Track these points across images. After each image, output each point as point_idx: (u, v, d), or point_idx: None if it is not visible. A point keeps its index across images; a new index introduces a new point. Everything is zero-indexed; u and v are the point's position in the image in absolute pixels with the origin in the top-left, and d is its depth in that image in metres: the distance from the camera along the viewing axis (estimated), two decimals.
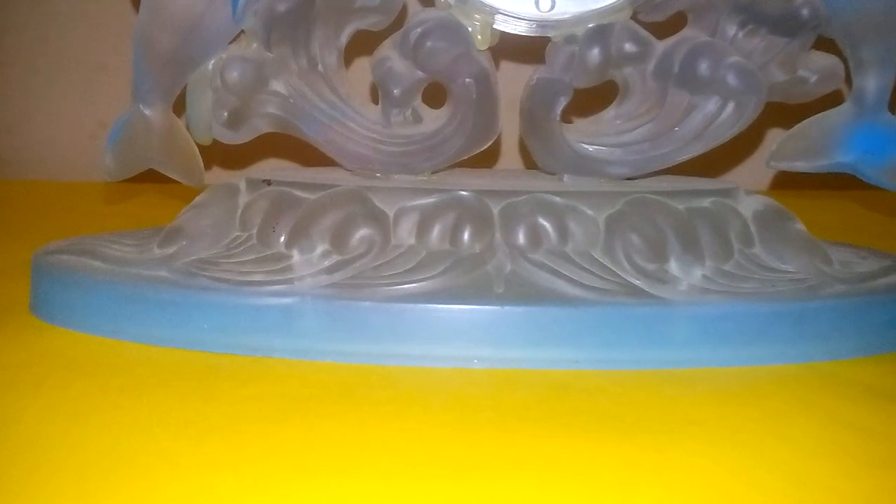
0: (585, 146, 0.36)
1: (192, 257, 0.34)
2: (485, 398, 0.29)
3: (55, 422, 0.27)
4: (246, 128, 0.37)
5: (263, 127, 0.37)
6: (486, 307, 0.31)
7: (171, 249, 0.35)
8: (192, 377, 0.31)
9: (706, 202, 0.35)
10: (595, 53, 0.35)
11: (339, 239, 0.33)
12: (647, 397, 0.29)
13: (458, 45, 0.35)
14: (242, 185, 0.37)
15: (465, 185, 0.35)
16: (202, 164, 0.39)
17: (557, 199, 0.34)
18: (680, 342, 0.32)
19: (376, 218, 0.33)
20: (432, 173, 0.36)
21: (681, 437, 0.27)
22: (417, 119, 0.37)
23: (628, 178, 0.36)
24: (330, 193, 0.34)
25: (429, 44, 0.35)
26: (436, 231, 0.33)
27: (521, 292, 0.32)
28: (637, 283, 0.32)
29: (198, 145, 0.37)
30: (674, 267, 0.33)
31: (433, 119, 0.36)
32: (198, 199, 0.37)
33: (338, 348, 0.32)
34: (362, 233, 0.33)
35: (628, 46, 0.35)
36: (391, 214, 0.34)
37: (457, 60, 0.35)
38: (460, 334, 0.31)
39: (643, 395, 0.30)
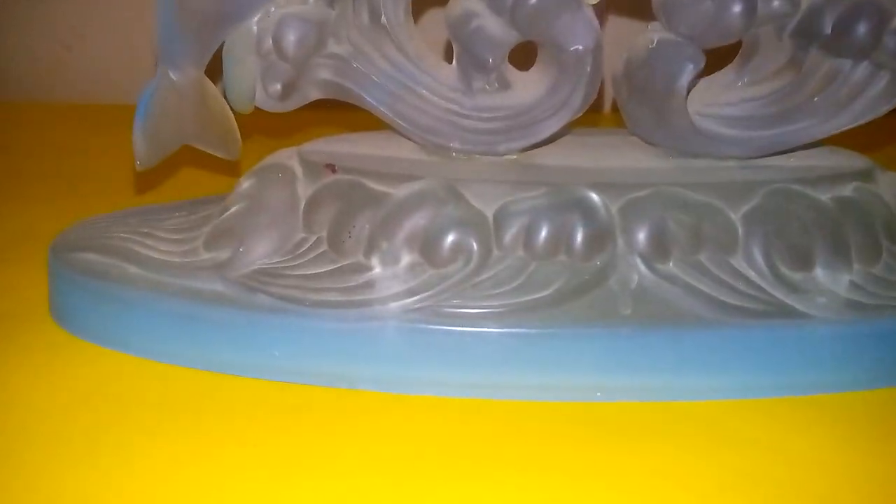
0: (708, 123, 0.30)
1: (252, 268, 0.28)
2: (611, 433, 0.25)
3: (101, 464, 0.22)
4: (296, 96, 0.31)
5: (315, 94, 0.31)
6: (613, 332, 0.27)
7: (223, 255, 0.29)
8: (261, 409, 0.26)
9: (848, 189, 0.30)
10: (738, 10, 0.29)
11: (429, 247, 0.28)
12: (805, 425, 0.25)
13: (570, 3, 0.28)
14: (297, 168, 0.31)
15: (565, 168, 0.29)
16: (239, 135, 0.33)
17: (688, 193, 0.28)
18: (832, 364, 0.27)
19: (473, 221, 0.28)
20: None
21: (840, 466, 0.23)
22: (504, 85, 0.31)
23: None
24: (416, 191, 0.28)
25: (533, 1, 0.28)
26: (545, 237, 0.28)
27: (652, 312, 0.27)
28: (782, 297, 0.28)
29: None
30: (820, 275, 0.28)
31: (524, 86, 0.30)
32: (246, 186, 0.31)
33: (432, 378, 0.27)
34: (457, 240, 0.28)
35: (777, 3, 0.29)
36: (490, 216, 0.28)
37: (569, 23, 0.28)
38: (581, 364, 0.27)
39: (800, 424, 0.25)
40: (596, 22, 0.29)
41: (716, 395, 0.27)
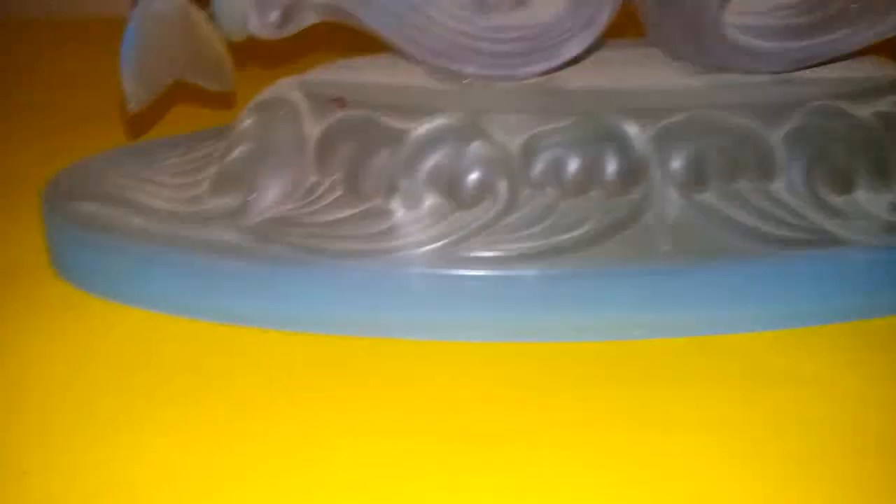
0: (740, 35, 0.28)
1: (265, 216, 0.27)
2: (652, 371, 0.24)
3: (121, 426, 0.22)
4: (294, 22, 0.28)
5: (313, 19, 0.29)
6: (652, 269, 0.25)
7: (232, 202, 0.27)
8: (288, 361, 0.25)
9: (886, 102, 0.28)
10: None
11: (453, 188, 0.26)
12: (850, 355, 0.25)
13: None
14: (301, 102, 0.28)
15: (592, 92, 0.28)
16: (231, 63, 0.31)
17: (725, 115, 0.27)
18: (872, 289, 0.26)
19: (498, 157, 0.26)
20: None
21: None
22: (520, 0, 0.28)
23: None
24: (436, 126, 0.26)
25: None
26: (576, 171, 0.26)
27: (691, 246, 0.26)
28: (822, 223, 0.26)
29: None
30: (861, 197, 0.27)
31: (543, 1, 0.28)
32: (247, 124, 0.28)
33: (463, 323, 0.26)
34: (483, 178, 0.26)
35: None
36: (515, 151, 0.26)
37: None
38: (619, 303, 0.25)
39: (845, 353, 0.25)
40: None
41: (756, 326, 0.26)
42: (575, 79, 0.29)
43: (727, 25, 0.28)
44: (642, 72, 0.30)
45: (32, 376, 0.25)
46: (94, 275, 0.28)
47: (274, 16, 0.27)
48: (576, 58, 0.28)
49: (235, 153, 0.28)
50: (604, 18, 0.27)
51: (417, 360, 0.25)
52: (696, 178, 0.26)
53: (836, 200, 0.27)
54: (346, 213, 0.26)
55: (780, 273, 0.26)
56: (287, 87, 0.30)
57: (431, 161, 0.26)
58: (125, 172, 0.30)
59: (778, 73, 0.29)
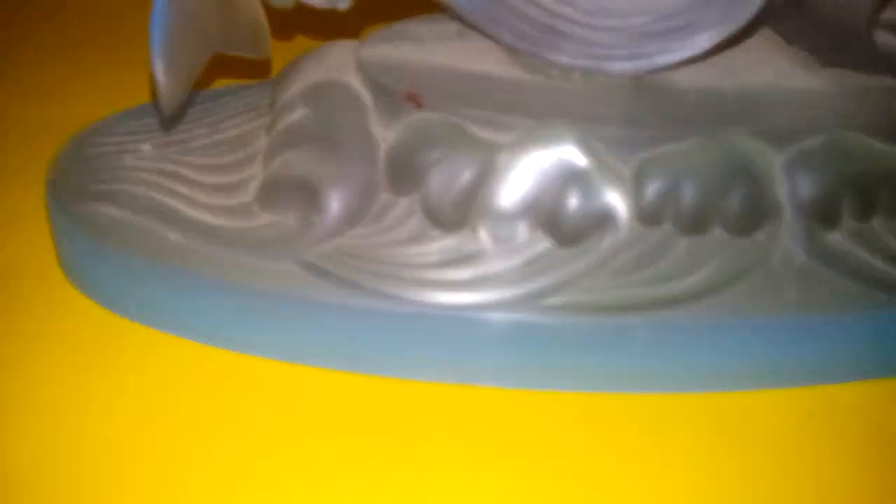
0: (884, 37, 0.24)
1: (332, 242, 0.23)
2: (778, 424, 0.22)
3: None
4: None
5: None
6: (778, 320, 0.22)
7: (287, 219, 0.23)
8: (360, 406, 0.22)
9: None
10: None
11: (553, 220, 0.22)
12: None
13: None
14: (363, 91, 0.24)
15: (711, 99, 0.24)
16: (268, 28, 0.26)
17: (866, 140, 0.23)
18: None
19: (608, 184, 0.22)
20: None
21: None
22: None
23: None
24: (536, 141, 0.22)
25: None
26: (697, 205, 0.22)
27: (822, 297, 0.23)
28: None
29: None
30: None
31: None
32: (298, 116, 0.24)
33: (560, 373, 0.23)
34: (588, 210, 0.22)
35: None
36: (626, 172, 0.22)
37: None
38: (741, 354, 0.23)
39: None
40: None
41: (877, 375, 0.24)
42: (683, 72, 0.25)
43: (877, 31, 0.24)
44: (753, 61, 0.26)
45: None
46: (121, 296, 0.24)
47: None
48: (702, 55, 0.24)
49: (288, 155, 0.23)
50: (749, 12, 0.23)
51: (508, 410, 0.22)
52: (829, 215, 0.23)
53: None
54: (426, 246, 0.22)
55: None
56: (341, 65, 0.25)
57: (529, 186, 0.22)
58: (144, 158, 0.25)
59: None
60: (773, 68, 0.25)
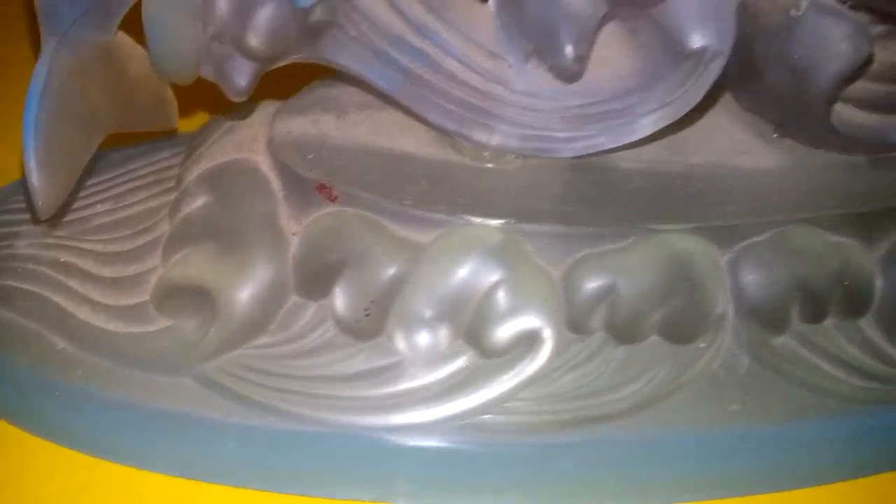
0: (843, 109, 0.22)
1: (232, 352, 0.21)
2: None
3: None
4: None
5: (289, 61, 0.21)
6: (719, 433, 0.21)
7: (186, 324, 0.21)
8: None
9: None
10: None
11: (478, 331, 0.20)
12: None
13: None
14: (272, 175, 0.22)
15: (651, 175, 0.22)
16: (174, 99, 0.24)
17: (818, 233, 0.21)
18: None
19: (537, 289, 0.20)
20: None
21: None
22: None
23: None
24: (457, 243, 0.20)
25: None
26: (633, 311, 0.20)
27: (768, 407, 0.21)
28: None
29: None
30: None
31: (597, 61, 0.21)
32: (200, 204, 0.21)
33: (491, 496, 0.21)
34: (517, 318, 0.20)
35: None
36: (556, 276, 0.20)
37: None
38: (680, 468, 0.21)
39: None
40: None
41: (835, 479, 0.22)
42: (626, 151, 0.22)
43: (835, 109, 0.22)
44: (704, 132, 0.23)
45: None
46: (7, 403, 0.22)
47: (240, 84, 0.20)
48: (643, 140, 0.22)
49: (187, 251, 0.21)
50: (690, 102, 0.20)
51: None
52: (778, 317, 0.21)
53: None
54: (337, 356, 0.20)
55: (869, 431, 0.21)
56: (251, 140, 0.23)
57: (450, 292, 0.20)
58: (38, 239, 0.23)
59: (878, 153, 0.23)
60: (725, 143, 0.23)
